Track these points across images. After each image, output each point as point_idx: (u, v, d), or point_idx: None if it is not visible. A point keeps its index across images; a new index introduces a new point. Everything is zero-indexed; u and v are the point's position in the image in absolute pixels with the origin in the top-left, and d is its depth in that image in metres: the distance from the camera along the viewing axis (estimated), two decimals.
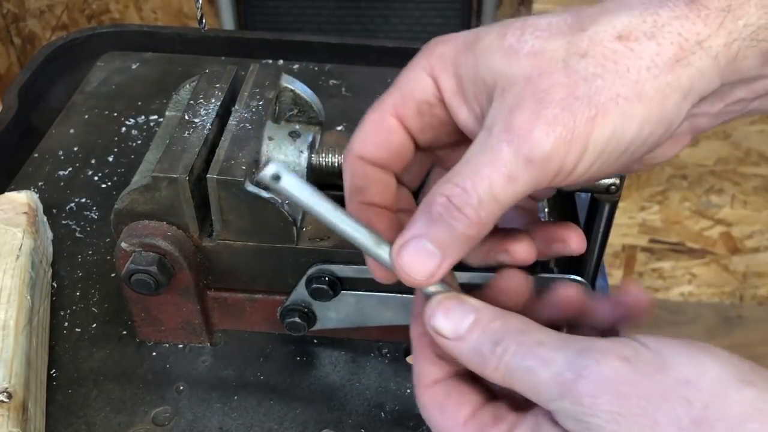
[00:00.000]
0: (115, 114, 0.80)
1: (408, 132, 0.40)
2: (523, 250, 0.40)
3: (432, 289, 0.37)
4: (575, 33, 0.34)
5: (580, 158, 0.33)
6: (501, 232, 0.41)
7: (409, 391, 0.57)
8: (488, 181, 0.34)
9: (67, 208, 0.70)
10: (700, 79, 0.33)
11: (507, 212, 0.40)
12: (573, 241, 0.42)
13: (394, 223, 0.41)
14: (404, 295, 0.54)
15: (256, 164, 0.53)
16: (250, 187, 0.50)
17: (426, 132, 0.40)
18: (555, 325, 0.37)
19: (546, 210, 0.51)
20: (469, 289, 0.39)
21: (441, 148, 0.42)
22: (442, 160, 0.44)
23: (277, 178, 0.35)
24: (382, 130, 0.40)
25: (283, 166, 0.35)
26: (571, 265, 0.59)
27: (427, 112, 0.39)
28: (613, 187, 0.50)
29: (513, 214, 0.43)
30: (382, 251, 0.37)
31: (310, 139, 0.57)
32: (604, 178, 0.36)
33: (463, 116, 0.38)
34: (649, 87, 0.33)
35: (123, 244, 0.52)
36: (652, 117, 0.33)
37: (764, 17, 0.33)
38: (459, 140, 0.40)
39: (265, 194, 0.51)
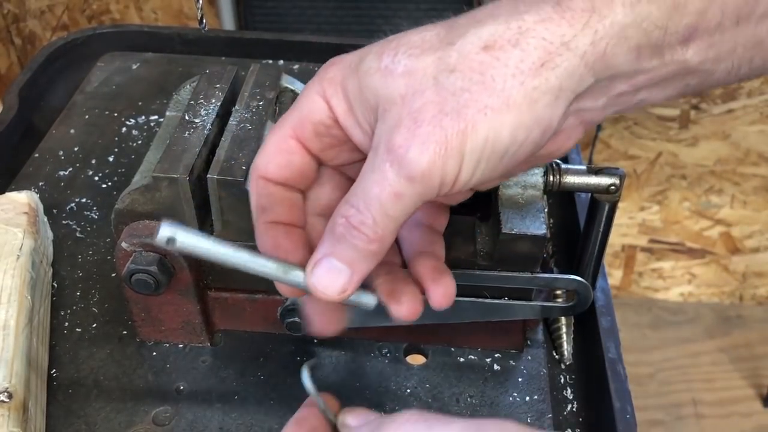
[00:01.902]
0: (116, 114, 0.80)
1: (309, 152, 0.41)
2: (401, 312, 0.41)
3: (353, 298, 0.39)
4: (445, 47, 0.35)
5: (458, 169, 0.35)
6: (393, 281, 0.42)
7: (409, 390, 0.57)
8: (378, 200, 0.36)
9: (68, 208, 0.70)
10: (570, 79, 0.34)
11: (412, 233, 0.44)
12: (433, 297, 0.42)
13: (302, 239, 0.42)
14: None
15: None
16: None
17: (328, 151, 0.41)
18: None
19: (546, 210, 0.51)
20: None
21: (348, 165, 0.43)
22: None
23: (172, 241, 0.36)
24: (283, 151, 0.41)
25: (175, 225, 0.36)
26: (570, 265, 0.60)
27: (325, 133, 0.40)
28: (612, 187, 0.50)
29: (415, 232, 0.44)
30: (293, 276, 0.39)
31: None
32: (498, 181, 0.39)
33: (358, 136, 0.39)
34: (516, 93, 0.34)
35: (123, 244, 0.52)
36: (523, 122, 0.34)
37: (630, 15, 0.33)
38: (362, 158, 0.41)
39: None
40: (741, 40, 0.34)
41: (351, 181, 0.43)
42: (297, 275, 0.39)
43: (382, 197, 0.35)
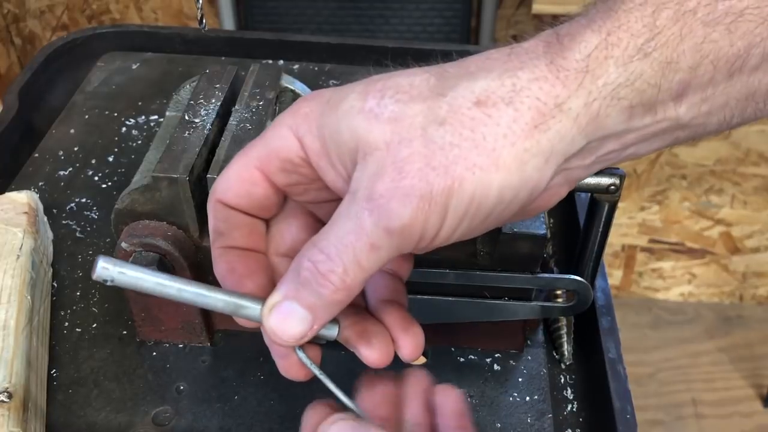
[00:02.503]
0: (116, 114, 0.80)
1: (273, 186, 0.39)
2: (372, 356, 0.40)
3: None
4: (435, 98, 0.33)
5: (440, 226, 0.33)
6: (362, 322, 0.40)
7: None
8: (352, 249, 0.34)
9: (68, 208, 0.70)
10: (561, 141, 0.33)
11: (376, 279, 0.41)
12: (404, 348, 0.40)
13: (260, 264, 0.40)
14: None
15: None
16: None
17: (295, 187, 0.39)
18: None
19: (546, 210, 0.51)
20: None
21: (315, 203, 0.41)
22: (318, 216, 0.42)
23: (109, 279, 0.34)
24: (245, 181, 0.38)
25: (113, 262, 0.34)
26: (570, 265, 0.60)
27: (293, 171, 0.38)
28: (612, 187, 0.50)
29: (380, 280, 0.42)
30: (248, 312, 0.37)
31: None
32: (478, 235, 0.37)
33: (331, 177, 0.37)
34: (506, 154, 0.32)
35: (123, 244, 0.52)
36: (511, 183, 0.33)
37: (624, 75, 0.32)
38: (332, 198, 0.39)
39: None
40: (733, 93, 0.33)
41: (317, 220, 0.42)
42: (253, 310, 0.37)
43: (356, 247, 0.34)
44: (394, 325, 0.40)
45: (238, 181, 0.39)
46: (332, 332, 0.39)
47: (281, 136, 0.37)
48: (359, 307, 0.41)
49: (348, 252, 0.34)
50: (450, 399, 0.42)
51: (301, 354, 0.39)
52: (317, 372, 0.39)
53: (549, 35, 0.34)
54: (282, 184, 0.39)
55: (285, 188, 0.39)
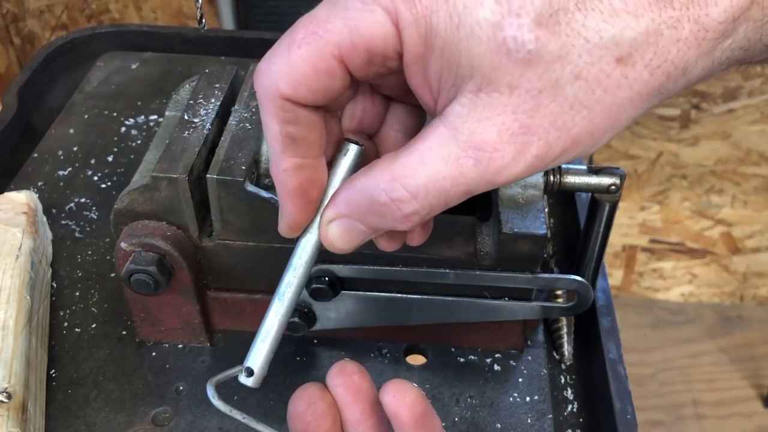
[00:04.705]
0: (115, 114, 0.80)
1: (351, 77, 0.33)
2: (383, 244, 0.40)
3: None
4: (576, 38, 0.30)
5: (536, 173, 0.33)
6: None
7: None
8: (445, 195, 0.32)
9: (67, 208, 0.70)
10: (667, 97, 0.32)
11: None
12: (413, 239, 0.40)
13: (324, 173, 0.37)
14: (406, 296, 0.54)
15: (256, 164, 0.53)
16: (250, 187, 0.50)
17: (370, 77, 0.34)
18: None
19: (546, 210, 0.51)
20: None
21: (388, 86, 0.37)
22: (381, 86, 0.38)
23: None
24: (321, 72, 0.32)
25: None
26: (571, 265, 0.59)
27: (380, 64, 0.32)
28: (613, 186, 0.50)
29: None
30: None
31: None
32: None
33: (417, 82, 0.33)
34: (625, 117, 0.31)
35: (123, 244, 0.52)
36: (616, 133, 0.32)
37: (750, 40, 0.31)
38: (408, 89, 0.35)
39: (265, 194, 0.51)
40: None
41: (382, 96, 0.38)
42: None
43: (451, 193, 0.31)
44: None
45: (314, 73, 0.32)
46: None
47: (375, 21, 0.31)
48: None
49: (441, 198, 0.32)
50: (405, 401, 0.38)
51: (217, 402, 0.40)
52: (240, 417, 0.41)
53: None
54: (360, 76, 0.33)
55: (361, 78, 0.34)
